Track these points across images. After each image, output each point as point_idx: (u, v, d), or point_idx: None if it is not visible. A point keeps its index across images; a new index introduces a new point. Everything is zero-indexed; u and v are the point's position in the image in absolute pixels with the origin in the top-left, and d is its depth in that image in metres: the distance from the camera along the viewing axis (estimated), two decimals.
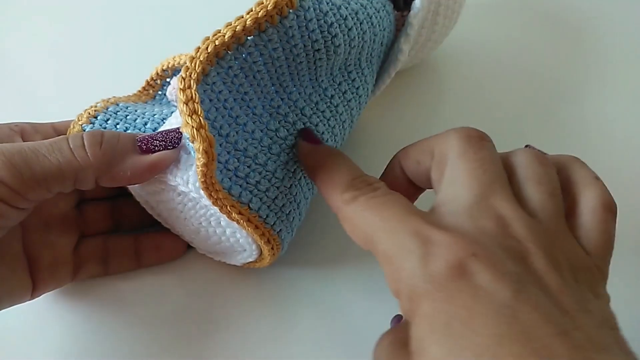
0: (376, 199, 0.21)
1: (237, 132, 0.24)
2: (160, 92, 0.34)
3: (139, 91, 0.34)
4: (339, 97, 0.28)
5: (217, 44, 0.22)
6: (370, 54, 0.30)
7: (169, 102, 0.33)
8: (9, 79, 0.41)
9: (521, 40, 0.43)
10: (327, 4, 0.25)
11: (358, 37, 0.27)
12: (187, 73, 0.22)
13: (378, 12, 0.29)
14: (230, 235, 0.26)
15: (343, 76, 0.29)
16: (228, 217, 0.24)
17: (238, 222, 0.24)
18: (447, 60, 0.41)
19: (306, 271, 0.30)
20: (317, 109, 0.27)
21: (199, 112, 0.21)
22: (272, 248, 0.25)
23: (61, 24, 0.45)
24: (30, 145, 0.22)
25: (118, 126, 0.28)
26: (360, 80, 0.30)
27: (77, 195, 0.29)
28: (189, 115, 0.20)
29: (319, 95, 0.28)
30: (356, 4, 0.28)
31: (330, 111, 0.28)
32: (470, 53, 0.42)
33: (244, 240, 0.26)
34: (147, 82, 0.34)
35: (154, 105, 0.33)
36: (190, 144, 0.21)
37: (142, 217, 0.29)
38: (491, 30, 0.43)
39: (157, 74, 0.34)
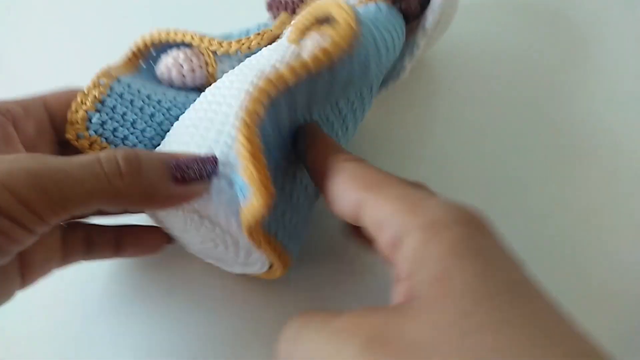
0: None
1: (275, 168, 0.23)
2: (144, 65, 0.32)
3: (126, 61, 0.31)
4: (351, 115, 0.29)
5: (278, 86, 0.21)
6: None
7: (160, 82, 0.31)
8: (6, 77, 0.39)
9: (518, 39, 0.43)
10: (368, 38, 0.25)
11: (382, 65, 0.27)
12: (251, 119, 0.20)
13: (398, 36, 0.29)
14: (245, 255, 0.26)
15: (356, 95, 0.29)
16: (256, 247, 0.24)
17: (264, 251, 0.24)
18: (444, 60, 0.41)
19: (309, 274, 0.30)
20: (332, 129, 0.28)
21: (264, 164, 0.20)
22: (285, 267, 0.26)
23: (60, 23, 0.44)
24: (61, 166, 0.20)
25: (126, 117, 0.26)
26: (367, 101, 0.30)
27: None
28: (254, 168, 0.20)
29: (335, 116, 0.28)
30: (384, 30, 0.27)
31: (342, 130, 0.28)
32: (466, 52, 0.41)
33: (257, 257, 0.26)
34: (134, 53, 0.31)
35: (149, 82, 0.30)
36: (246, 185, 0.20)
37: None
38: (487, 29, 0.43)
39: (146, 45, 0.31)
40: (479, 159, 0.35)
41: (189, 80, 0.31)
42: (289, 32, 0.28)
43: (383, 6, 0.30)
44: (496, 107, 0.38)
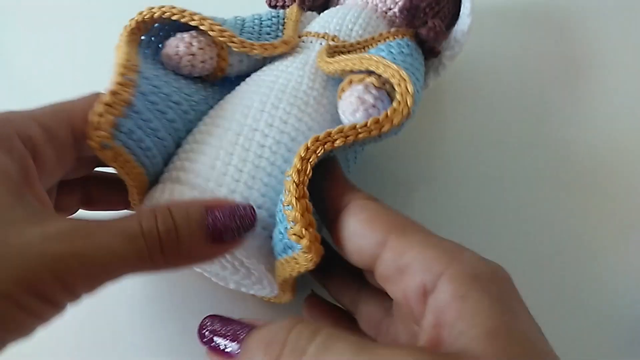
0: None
1: None
2: (144, 38, 0.28)
3: (130, 34, 0.27)
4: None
5: (326, 147, 0.21)
6: None
7: (167, 72, 0.28)
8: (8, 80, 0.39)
9: (521, 45, 0.43)
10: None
11: None
12: (300, 180, 0.20)
13: (422, 76, 0.30)
14: (253, 282, 0.26)
15: None
16: (279, 288, 0.24)
17: (283, 290, 0.25)
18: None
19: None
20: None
21: (314, 224, 0.20)
22: (294, 295, 0.26)
23: (62, 25, 0.46)
24: (106, 244, 0.18)
25: (151, 124, 0.24)
26: None
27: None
28: (305, 230, 0.20)
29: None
30: (415, 79, 0.28)
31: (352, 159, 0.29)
32: (471, 59, 0.40)
33: (267, 285, 0.26)
34: (138, 24, 0.27)
35: (151, 64, 0.27)
36: (293, 243, 0.20)
37: (110, 204, 0.28)
38: (491, 37, 0.43)
39: (153, 18, 0.27)
40: (480, 163, 0.36)
41: (197, 70, 0.28)
42: (326, 59, 0.27)
43: (405, 44, 0.30)
44: (499, 114, 0.39)
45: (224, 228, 0.20)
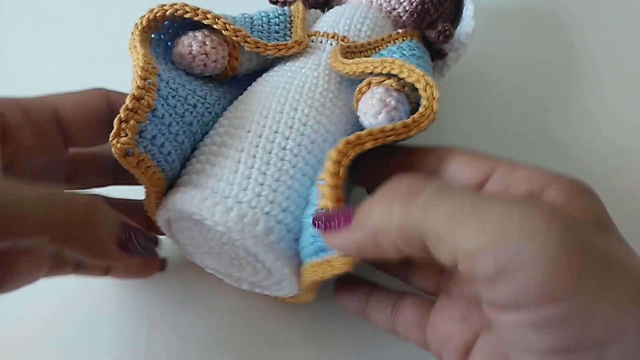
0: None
1: None
2: (153, 36, 0.28)
3: (141, 33, 0.26)
4: None
5: (356, 150, 0.22)
6: None
7: (180, 72, 0.27)
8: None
9: (520, 44, 0.44)
10: None
11: None
12: (335, 183, 0.21)
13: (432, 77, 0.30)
14: (273, 282, 0.26)
15: None
16: (301, 289, 0.25)
17: (306, 289, 0.25)
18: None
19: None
20: None
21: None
22: (314, 295, 0.26)
23: (61, 23, 0.46)
24: (14, 194, 0.18)
25: (171, 128, 0.24)
26: None
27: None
28: None
29: None
30: None
31: None
32: (471, 56, 0.38)
33: (288, 285, 0.25)
34: (149, 21, 0.26)
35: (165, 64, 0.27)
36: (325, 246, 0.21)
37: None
38: (491, 35, 0.43)
39: (164, 16, 0.27)
40: None
41: (209, 70, 0.28)
42: (342, 60, 0.27)
43: (415, 46, 0.30)
44: (499, 112, 0.40)
45: (130, 241, 0.23)
